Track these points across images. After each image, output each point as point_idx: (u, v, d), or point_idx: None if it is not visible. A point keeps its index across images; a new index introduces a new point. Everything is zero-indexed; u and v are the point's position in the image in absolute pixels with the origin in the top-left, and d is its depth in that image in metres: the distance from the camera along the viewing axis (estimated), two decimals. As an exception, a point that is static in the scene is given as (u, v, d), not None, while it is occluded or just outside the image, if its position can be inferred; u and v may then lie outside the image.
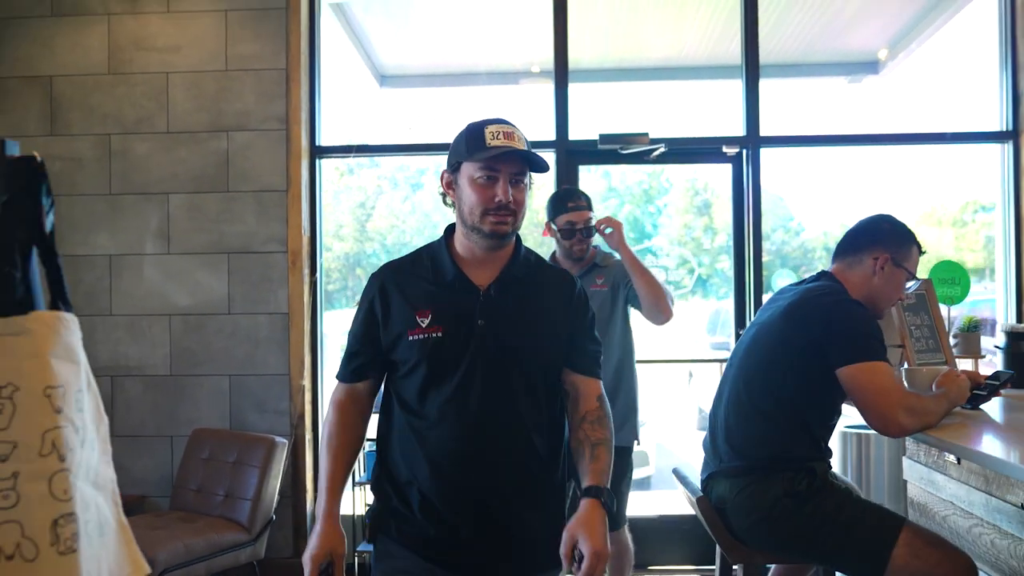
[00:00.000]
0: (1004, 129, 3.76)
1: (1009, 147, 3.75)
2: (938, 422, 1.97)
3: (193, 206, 3.77)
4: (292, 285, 3.75)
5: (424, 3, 4.21)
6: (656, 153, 3.81)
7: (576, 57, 4.04)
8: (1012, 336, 2.60)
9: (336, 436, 1.70)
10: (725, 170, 3.96)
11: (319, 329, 3.92)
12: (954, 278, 2.48)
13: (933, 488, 2.41)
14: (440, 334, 1.61)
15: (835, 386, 1.97)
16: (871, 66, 5.07)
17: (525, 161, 1.60)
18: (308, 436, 3.82)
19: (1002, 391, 2.30)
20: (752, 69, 3.84)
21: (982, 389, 2.21)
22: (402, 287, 1.67)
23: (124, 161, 3.81)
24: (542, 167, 1.63)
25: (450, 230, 1.73)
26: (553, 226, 2.86)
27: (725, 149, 3.86)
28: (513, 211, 1.60)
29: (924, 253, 2.15)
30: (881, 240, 2.10)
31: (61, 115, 3.83)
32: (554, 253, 2.98)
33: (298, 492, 3.78)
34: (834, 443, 3.47)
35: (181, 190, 3.78)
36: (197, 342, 3.79)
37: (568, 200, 2.84)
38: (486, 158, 1.58)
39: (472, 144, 1.59)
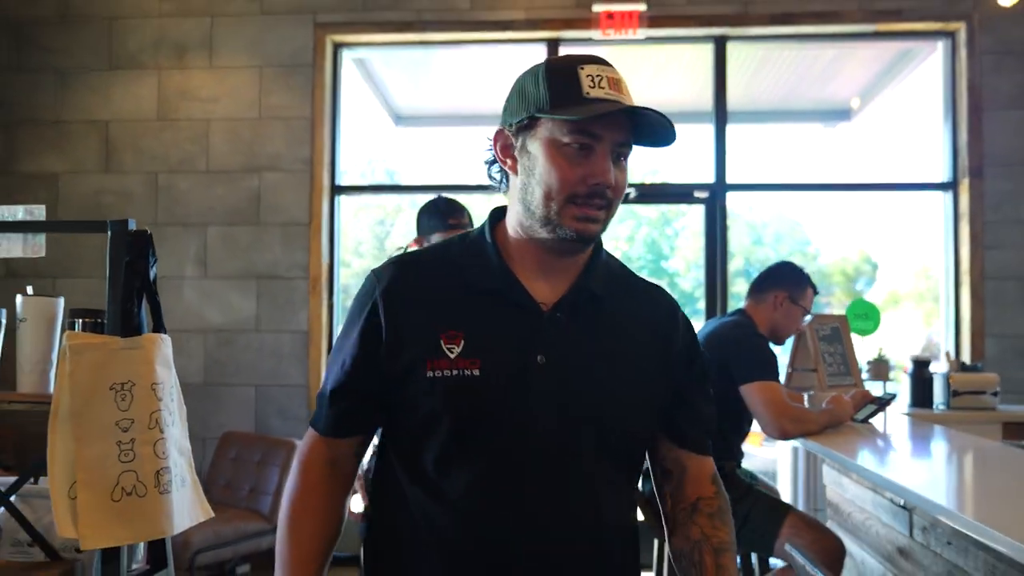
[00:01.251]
0: (946, 180, 4.27)
1: (949, 196, 4.26)
2: (819, 431, 2.48)
3: (227, 236, 4.37)
4: (312, 307, 4.33)
5: (437, 55, 4.79)
6: (632, 196, 4.35)
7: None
8: (916, 364, 3.10)
9: (302, 520, 1.16)
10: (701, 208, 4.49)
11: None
12: (867, 314, 2.99)
13: (841, 489, 2.91)
14: (477, 372, 1.07)
15: (741, 399, 2.50)
16: (844, 113, 5.61)
17: (636, 126, 1.09)
18: (323, 441, 4.38)
19: (907, 411, 2.81)
20: (721, 119, 4.37)
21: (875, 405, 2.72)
22: (420, 293, 1.12)
23: (168, 196, 4.41)
24: (669, 136, 1.10)
25: (497, 216, 1.20)
26: (426, 243, 2.41)
27: (696, 194, 4.40)
28: (610, 200, 1.09)
29: (817, 293, 2.68)
30: (780, 282, 2.64)
31: (115, 155, 4.45)
32: None
33: (313, 490, 4.34)
34: (787, 460, 3.97)
35: (217, 222, 4.38)
36: (228, 356, 4.37)
37: (450, 215, 2.43)
38: (585, 116, 1.04)
39: (559, 90, 1.06)
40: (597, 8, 4.21)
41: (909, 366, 3.26)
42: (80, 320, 1.70)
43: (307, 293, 4.34)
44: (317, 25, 4.38)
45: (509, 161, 1.14)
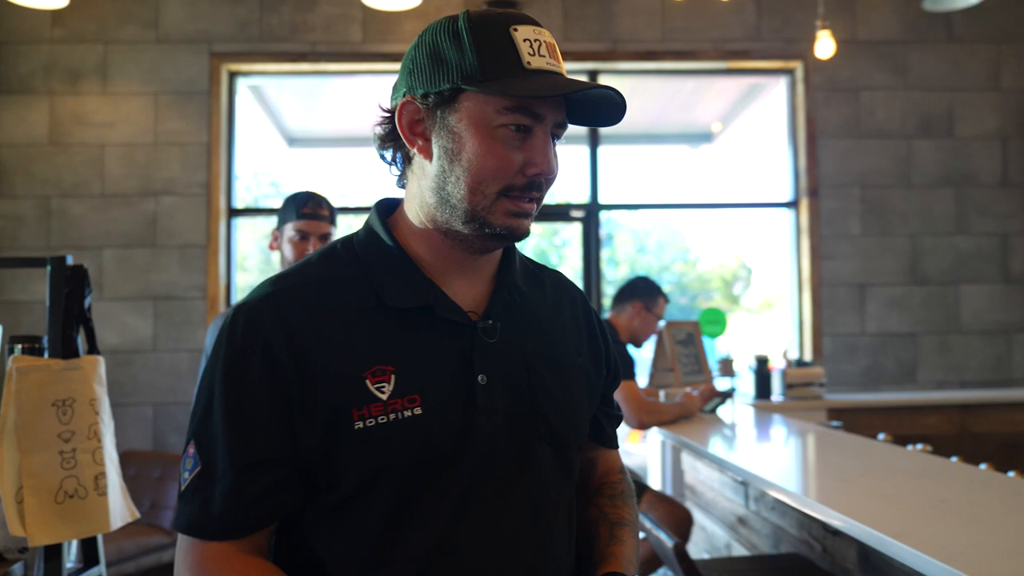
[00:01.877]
0: (789, 200, 4.87)
1: (792, 213, 4.86)
2: (672, 421, 2.92)
3: (124, 259, 4.49)
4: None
5: (329, 83, 5.04)
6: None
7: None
8: (758, 361, 3.61)
9: None
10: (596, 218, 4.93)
11: (234, 363, 4.66)
12: (717, 320, 3.47)
13: (696, 473, 3.38)
14: (418, 410, 0.89)
15: None
16: (707, 136, 6.21)
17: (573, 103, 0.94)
18: (224, 455, 4.55)
19: (751, 402, 3.29)
20: (594, 144, 4.83)
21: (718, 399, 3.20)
22: (323, 325, 0.91)
23: (63, 220, 4.49)
24: (617, 113, 0.94)
25: (387, 210, 1.02)
26: (280, 236, 2.23)
27: (573, 213, 4.84)
28: (544, 192, 0.95)
29: (668, 302, 3.14)
30: (637, 294, 3.07)
31: (6, 179, 4.49)
32: None
33: (215, 503, 4.50)
34: (656, 454, 4.42)
35: (114, 245, 4.49)
36: (125, 376, 4.48)
37: (305, 205, 2.20)
38: (537, 94, 0.88)
39: (492, 56, 0.89)
40: (480, 43, 4.58)
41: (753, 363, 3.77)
42: (19, 345, 1.92)
43: (205, 313, 4.51)
44: (213, 54, 4.57)
45: (420, 141, 0.92)
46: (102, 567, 2.02)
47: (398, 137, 0.96)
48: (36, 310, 4.38)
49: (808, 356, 4.64)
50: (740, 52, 4.69)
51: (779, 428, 3.20)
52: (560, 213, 4.96)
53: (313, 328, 0.91)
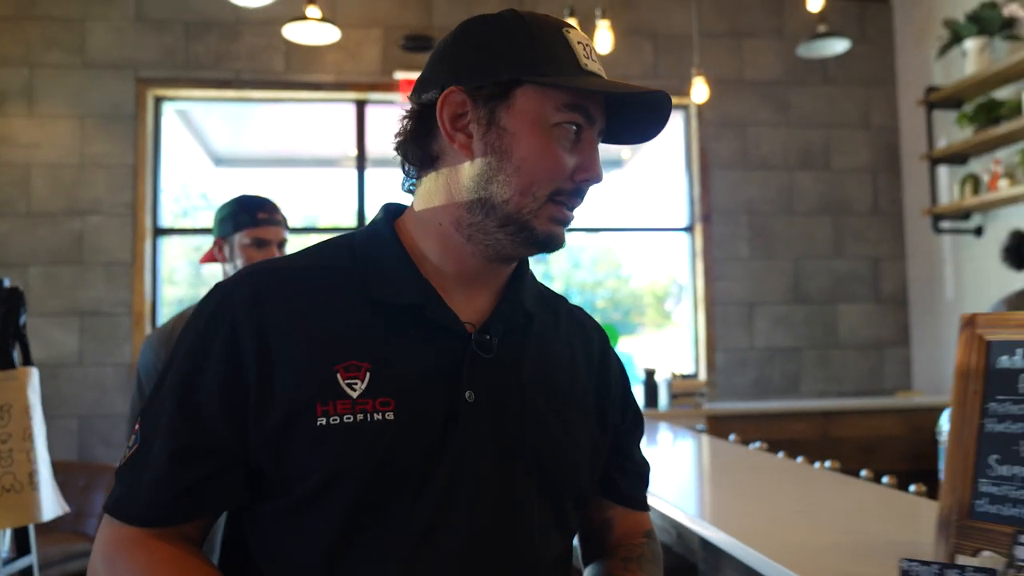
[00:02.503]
0: (687, 225, 5.33)
1: (689, 237, 5.32)
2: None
3: (50, 276, 4.67)
4: (136, 341, 4.71)
5: (254, 107, 5.31)
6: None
7: (381, 149, 5.27)
8: (647, 372, 4.03)
9: None
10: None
11: (158, 377, 4.87)
12: (610, 334, 3.86)
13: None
14: (390, 415, 0.82)
15: None
16: (617, 163, 6.66)
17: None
18: (147, 466, 4.76)
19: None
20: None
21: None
22: (301, 313, 0.85)
23: (-13, 237, 4.66)
24: (653, 129, 0.93)
25: (394, 213, 0.96)
26: (227, 246, 2.05)
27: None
28: (584, 199, 0.91)
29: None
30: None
31: (-70, 198, 4.64)
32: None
33: (138, 512, 4.70)
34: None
35: (39, 263, 4.67)
36: (50, 389, 4.63)
37: (259, 210, 2.04)
38: (583, 89, 0.85)
39: (552, 52, 0.86)
40: (398, 75, 4.94)
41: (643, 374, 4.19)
42: (-41, 358, 2.17)
43: (131, 328, 4.72)
44: (139, 80, 4.80)
45: (460, 136, 0.86)
46: (33, 556, 2.29)
47: (427, 134, 0.88)
48: None
49: (703, 369, 5.10)
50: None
51: (655, 433, 3.60)
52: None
53: (287, 314, 0.84)
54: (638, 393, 4.22)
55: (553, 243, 0.88)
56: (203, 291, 5.26)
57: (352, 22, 4.93)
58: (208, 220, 6.58)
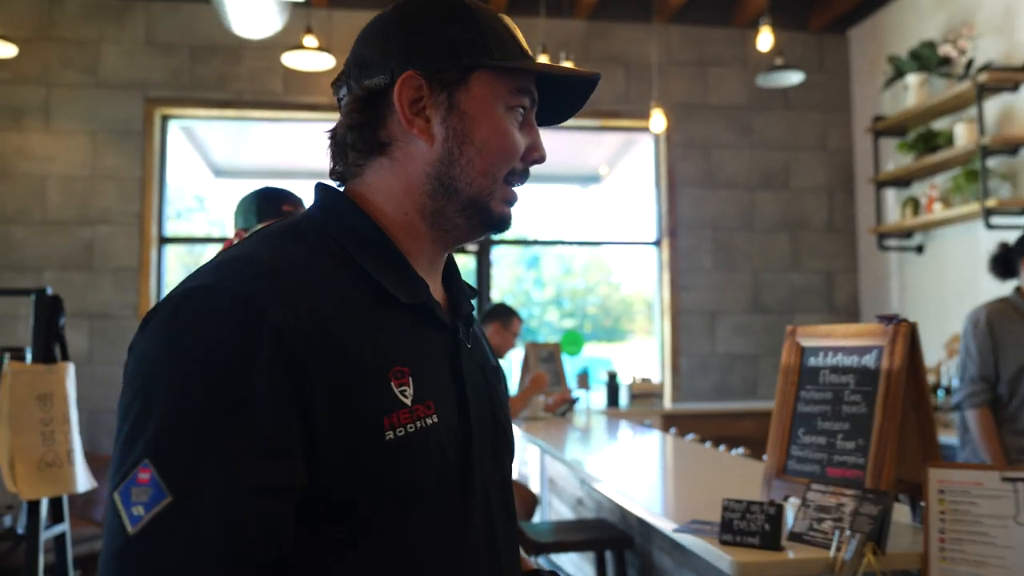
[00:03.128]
0: (655, 239, 5.77)
1: (657, 250, 5.77)
2: (523, 404, 3.71)
3: (62, 280, 5.08)
4: (141, 341, 5.12)
5: (254, 125, 5.72)
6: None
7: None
8: (610, 375, 4.47)
9: None
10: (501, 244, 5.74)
11: (161, 375, 5.29)
12: (575, 341, 4.30)
13: (554, 467, 4.19)
14: (434, 418, 0.80)
15: None
16: (596, 178, 7.10)
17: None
18: (150, 457, 5.16)
19: (603, 409, 4.11)
20: (489, 190, 5.65)
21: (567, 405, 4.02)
22: (341, 315, 0.77)
23: (4, 243, 5.06)
24: (570, 110, 0.96)
25: (347, 201, 0.88)
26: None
27: (468, 247, 5.64)
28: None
29: (523, 323, 3.96)
30: (497, 317, 3.88)
31: (-48, 206, 5.05)
32: None
33: (141, 500, 5.11)
34: (535, 457, 5.21)
35: (52, 268, 5.08)
36: (61, 385, 5.06)
37: (285, 202, 2.07)
38: (534, 73, 0.89)
39: (501, 37, 0.87)
40: (388, 98, 5.37)
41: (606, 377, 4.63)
42: (8, 354, 2.60)
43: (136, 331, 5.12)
44: (147, 99, 5.23)
45: (419, 121, 0.85)
46: (66, 524, 2.71)
47: (374, 119, 0.86)
48: (18, 326, 4.94)
49: (668, 373, 5.54)
50: (611, 112, 5.59)
51: (614, 430, 4.04)
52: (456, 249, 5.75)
53: (328, 310, 0.75)
54: (601, 394, 4.67)
55: (505, 224, 0.89)
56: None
57: (346, 48, 5.31)
58: (203, 224, 7.00)
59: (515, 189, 0.89)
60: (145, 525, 0.65)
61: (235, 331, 0.70)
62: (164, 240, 5.36)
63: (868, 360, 1.46)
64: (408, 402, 0.77)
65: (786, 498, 1.53)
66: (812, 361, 1.55)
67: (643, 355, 6.00)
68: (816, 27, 5.79)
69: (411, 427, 0.77)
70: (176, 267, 6.36)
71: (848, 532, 1.33)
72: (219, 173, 6.71)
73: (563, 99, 0.93)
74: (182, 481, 0.66)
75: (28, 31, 5.14)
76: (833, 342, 1.54)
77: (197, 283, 0.74)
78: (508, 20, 0.89)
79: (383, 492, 0.75)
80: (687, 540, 1.53)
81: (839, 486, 1.41)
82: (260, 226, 1.91)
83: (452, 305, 0.92)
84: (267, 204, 2.02)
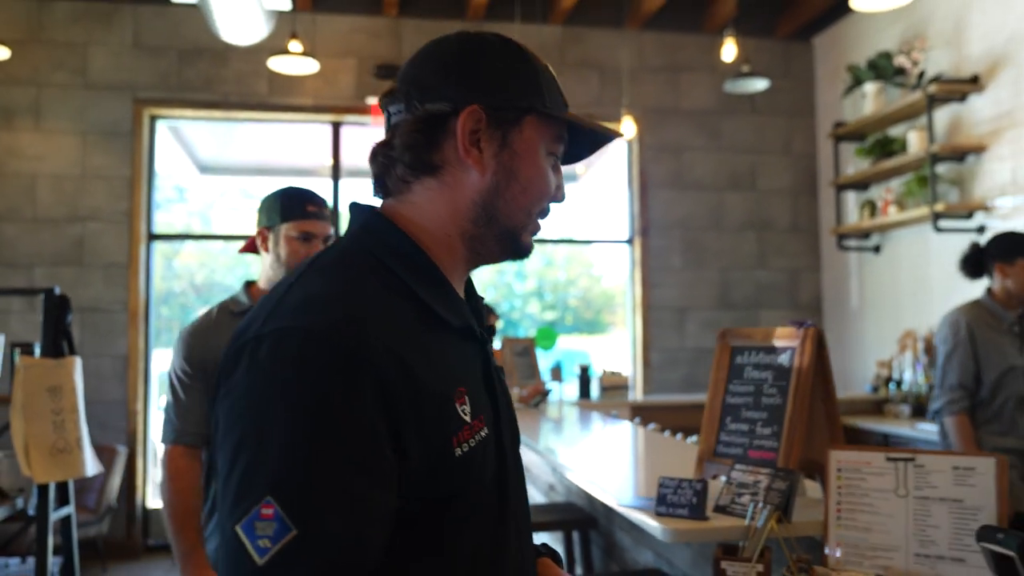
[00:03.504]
0: (628, 237, 6.05)
1: (629, 248, 6.04)
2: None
3: (53, 276, 5.27)
4: (131, 336, 5.33)
5: (239, 126, 5.93)
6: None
7: (354, 162, 5.92)
8: (582, 368, 4.75)
9: None
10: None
11: (149, 368, 5.50)
12: (549, 336, 4.56)
13: (528, 455, 4.45)
14: (487, 430, 0.90)
15: None
16: (573, 177, 7.36)
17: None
18: (140, 447, 5.38)
19: (575, 401, 4.37)
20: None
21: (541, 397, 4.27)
22: (413, 345, 0.84)
23: (-3, 240, 5.26)
24: (589, 155, 1.06)
25: (387, 221, 0.94)
26: (272, 236, 2.02)
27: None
28: None
29: (499, 318, 4.20)
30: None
31: (-55, 204, 5.23)
32: (246, 292, 2.08)
33: (132, 487, 5.33)
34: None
35: (43, 264, 5.28)
36: (52, 377, 5.26)
37: (309, 203, 2.04)
38: (570, 123, 0.98)
39: (553, 88, 0.97)
40: (370, 100, 5.60)
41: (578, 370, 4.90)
42: (19, 349, 2.82)
43: (126, 324, 5.34)
44: (136, 100, 5.42)
45: (475, 151, 0.92)
46: (72, 507, 2.94)
47: (430, 142, 0.92)
48: (11, 320, 5.14)
49: (640, 366, 5.82)
50: (585, 116, 5.83)
51: (585, 421, 4.31)
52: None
53: (405, 347, 0.82)
54: (574, 386, 4.93)
55: (529, 253, 0.99)
56: (176, 284, 5.85)
57: (329, 52, 5.59)
58: (182, 215, 7.19)
59: (539, 224, 0.99)
60: (273, 556, 0.72)
61: (338, 373, 0.76)
62: (152, 237, 5.56)
63: (783, 359, 1.73)
64: (468, 419, 0.86)
65: (715, 476, 1.80)
66: (739, 359, 1.82)
67: (622, 347, 6.26)
68: (783, 34, 6.08)
69: (472, 442, 0.85)
70: (160, 262, 6.57)
71: (761, 504, 1.60)
72: (204, 169, 6.91)
73: (582, 145, 1.04)
74: (305, 515, 0.72)
75: (19, 33, 5.31)
76: (756, 343, 1.81)
77: (286, 324, 0.79)
78: (552, 71, 0.99)
79: (451, 501, 0.84)
80: (630, 513, 1.79)
81: (757, 466, 1.68)
82: (286, 226, 1.98)
83: (476, 317, 0.98)
84: (292, 204, 2.01)
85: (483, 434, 0.88)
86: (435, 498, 0.83)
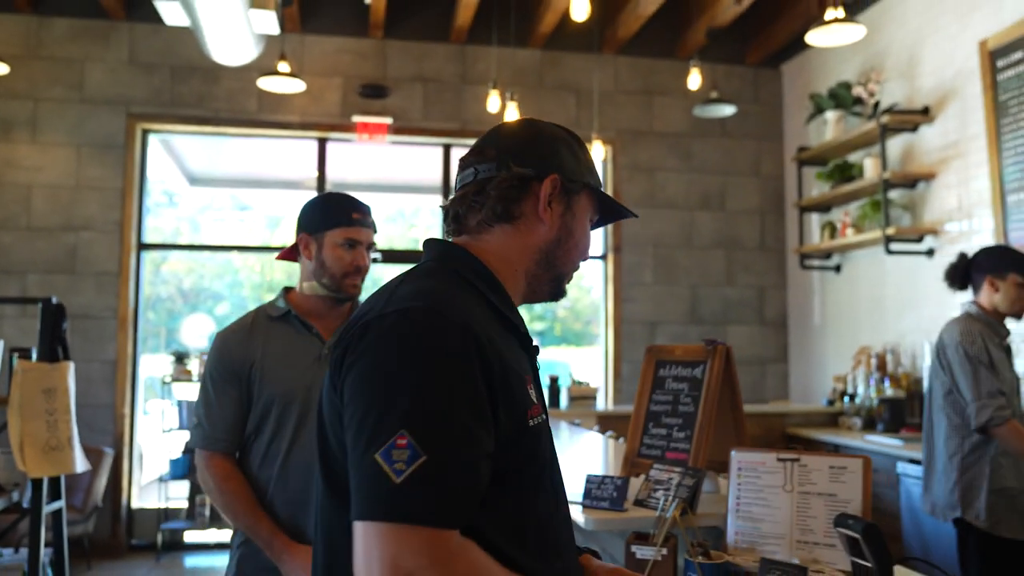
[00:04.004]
0: (602, 254, 6.30)
1: (603, 264, 6.29)
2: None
3: (46, 283, 5.49)
4: (120, 341, 5.55)
5: (228, 140, 6.16)
6: (379, 259, 5.99)
7: (338, 176, 6.16)
8: (551, 379, 5.00)
9: None
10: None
11: (136, 373, 5.72)
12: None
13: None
14: (544, 415, 1.13)
15: None
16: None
17: None
18: (126, 450, 5.59)
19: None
20: (446, 195, 6.12)
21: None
22: (492, 332, 1.07)
23: (-8, 247, 5.47)
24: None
25: (464, 250, 1.17)
26: (315, 243, 1.99)
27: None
28: None
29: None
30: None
31: (-57, 212, 5.44)
32: (284, 297, 2.05)
33: (117, 488, 5.53)
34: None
35: (37, 271, 5.49)
36: (43, 380, 5.46)
37: (354, 210, 2.01)
38: (617, 208, 1.28)
39: (595, 171, 1.25)
40: (355, 118, 5.85)
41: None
42: (16, 353, 3.05)
43: (115, 330, 5.56)
44: (129, 115, 5.66)
45: (548, 210, 1.17)
46: (63, 502, 3.16)
47: (515, 197, 1.16)
48: (5, 324, 5.35)
49: (611, 377, 6.07)
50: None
51: (555, 428, 4.55)
52: (413, 258, 6.23)
53: (492, 335, 1.04)
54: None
55: (565, 295, 1.26)
56: (163, 289, 6.08)
57: (317, 71, 5.84)
58: (172, 220, 7.41)
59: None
60: (408, 477, 0.89)
61: (455, 338, 0.98)
62: (143, 246, 5.78)
63: (697, 372, 1.98)
64: (535, 401, 1.08)
65: (637, 475, 2.04)
66: (661, 372, 2.07)
67: (597, 358, 6.49)
68: (753, 61, 6.36)
69: (539, 419, 1.08)
70: (148, 268, 6.80)
71: (672, 498, 1.84)
72: (193, 181, 7.14)
73: (605, 218, 1.31)
74: (432, 444, 0.91)
75: (17, 49, 5.54)
76: (676, 358, 2.06)
77: (406, 305, 1.01)
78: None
79: (527, 463, 1.05)
80: (564, 506, 2.03)
81: (672, 466, 1.92)
82: (331, 233, 1.96)
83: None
84: (337, 210, 2.00)
85: (543, 417, 1.10)
86: (513, 462, 1.02)
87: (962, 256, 3.24)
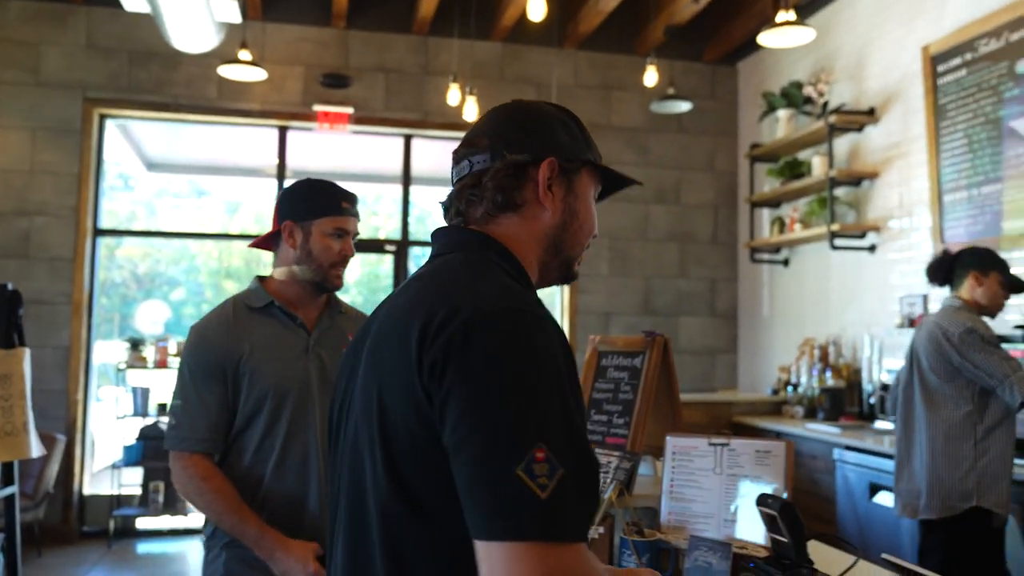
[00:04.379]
0: (559, 244, 6.41)
1: (560, 255, 6.41)
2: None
3: (-1, 267, 5.45)
4: (74, 327, 5.52)
5: (187, 126, 6.14)
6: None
7: (299, 164, 6.17)
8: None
9: None
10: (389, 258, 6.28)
11: (90, 359, 5.70)
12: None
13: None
14: None
15: None
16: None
17: None
18: (79, 436, 5.58)
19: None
20: (406, 185, 6.19)
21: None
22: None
23: (-57, 231, 5.41)
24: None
25: (490, 238, 1.14)
26: (301, 231, 1.93)
27: (387, 248, 6.19)
28: None
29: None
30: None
31: None
32: (258, 285, 1.99)
33: (69, 474, 5.52)
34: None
35: (-11, 255, 5.45)
36: (-5, 366, 5.42)
37: (343, 199, 1.96)
38: (606, 171, 1.22)
39: (594, 146, 1.22)
40: (316, 107, 5.87)
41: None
42: (-29, 339, 3.05)
43: (69, 316, 5.53)
44: (86, 100, 5.61)
45: (549, 195, 1.13)
46: (16, 487, 3.18)
47: (515, 185, 1.11)
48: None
49: (565, 367, 6.18)
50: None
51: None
52: (376, 249, 6.30)
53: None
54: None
55: (576, 278, 1.23)
56: (117, 275, 6.08)
57: (278, 59, 5.85)
58: (127, 203, 7.36)
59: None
60: (552, 491, 0.87)
61: (561, 343, 0.97)
62: (98, 232, 5.75)
63: (636, 362, 2.09)
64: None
65: (580, 459, 2.15)
66: (604, 361, 2.17)
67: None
68: (710, 58, 6.50)
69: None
70: (103, 253, 6.76)
71: (610, 480, 1.95)
72: (151, 166, 7.10)
73: (608, 189, 1.27)
74: (568, 456, 0.89)
75: (-30, 30, 5.47)
76: (617, 348, 2.17)
77: (502, 305, 0.97)
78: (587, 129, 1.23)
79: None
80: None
81: (611, 450, 2.03)
82: (319, 222, 1.92)
83: None
84: (326, 199, 1.95)
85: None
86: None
87: (945, 252, 3.27)
